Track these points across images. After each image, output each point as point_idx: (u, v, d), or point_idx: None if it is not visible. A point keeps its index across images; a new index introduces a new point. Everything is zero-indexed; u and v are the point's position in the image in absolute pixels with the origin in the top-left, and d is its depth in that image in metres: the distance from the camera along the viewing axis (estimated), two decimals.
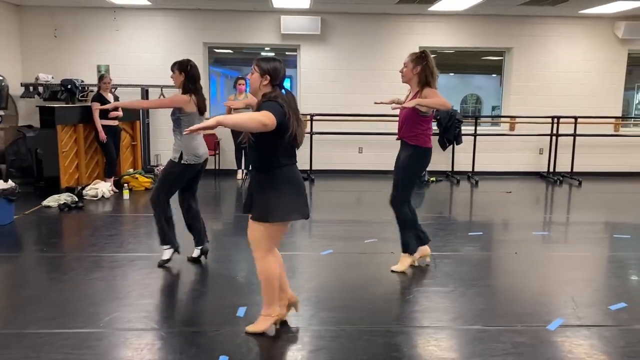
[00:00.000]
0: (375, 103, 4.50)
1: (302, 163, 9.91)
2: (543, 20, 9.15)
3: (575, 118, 9.01)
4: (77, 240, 5.43)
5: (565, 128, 9.14)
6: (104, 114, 7.23)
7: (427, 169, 8.79)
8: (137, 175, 7.70)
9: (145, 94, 8.71)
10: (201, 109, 4.23)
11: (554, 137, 9.20)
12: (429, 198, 8.03)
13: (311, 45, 9.02)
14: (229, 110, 8.62)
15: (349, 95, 9.11)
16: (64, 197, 6.56)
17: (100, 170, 7.65)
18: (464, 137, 8.94)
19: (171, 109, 4.23)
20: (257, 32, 8.98)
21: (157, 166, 8.54)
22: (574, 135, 9.07)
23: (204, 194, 7.96)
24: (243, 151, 8.73)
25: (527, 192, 8.34)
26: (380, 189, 8.36)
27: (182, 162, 4.16)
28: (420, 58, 4.04)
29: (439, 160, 9.23)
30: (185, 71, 4.19)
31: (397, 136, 4.27)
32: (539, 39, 9.24)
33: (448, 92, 10.81)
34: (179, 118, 4.17)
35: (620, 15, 8.82)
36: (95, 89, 7.68)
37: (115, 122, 7.42)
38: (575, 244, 5.42)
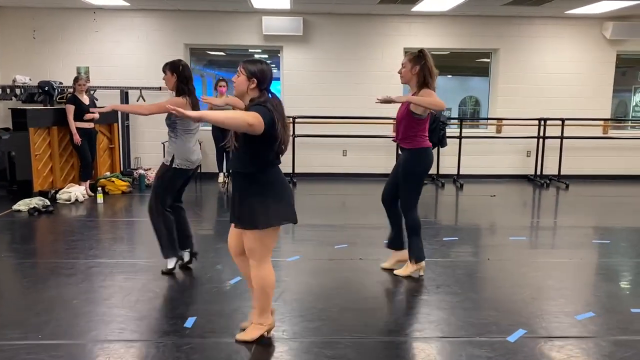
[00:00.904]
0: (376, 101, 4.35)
1: (284, 166, 9.81)
2: (529, 21, 9.01)
3: (562, 120, 8.86)
4: (39, 246, 5.29)
5: (553, 130, 8.99)
6: (79, 116, 7.11)
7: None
8: (113, 179, 7.57)
9: (125, 96, 8.58)
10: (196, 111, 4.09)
11: (540, 140, 9.05)
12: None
13: (294, 46, 8.89)
14: (210, 108, 8.52)
15: (333, 97, 8.98)
16: (35, 201, 6.42)
17: (76, 173, 7.52)
18: (449, 140, 8.78)
19: (165, 113, 4.09)
20: (238, 33, 8.85)
21: (136, 169, 8.40)
22: (561, 137, 8.92)
23: (188, 197, 7.82)
24: (224, 154, 8.60)
25: (512, 195, 8.20)
26: (364, 192, 8.25)
27: (174, 166, 4.05)
28: (419, 57, 3.95)
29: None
30: (177, 72, 4.06)
31: (393, 138, 4.20)
32: (526, 39, 9.10)
33: (445, 94, 10.70)
34: (174, 122, 4.04)
35: (608, 15, 8.68)
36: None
37: (90, 125, 7.28)
38: (553, 249, 5.28)
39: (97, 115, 7.29)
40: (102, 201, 6.94)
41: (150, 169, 8.37)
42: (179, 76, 4.07)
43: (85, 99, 7.26)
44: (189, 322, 3.33)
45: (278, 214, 2.91)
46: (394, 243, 4.41)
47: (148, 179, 8.11)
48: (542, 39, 9.10)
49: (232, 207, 3.00)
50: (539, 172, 9.13)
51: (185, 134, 4.08)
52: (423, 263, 4.27)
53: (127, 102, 8.60)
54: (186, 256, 4.37)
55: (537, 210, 7.53)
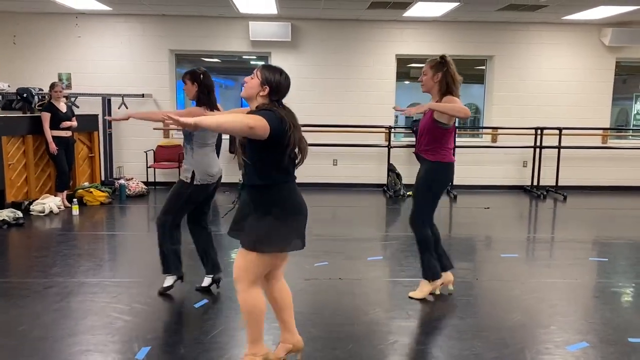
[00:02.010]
0: (396, 109, 4.07)
1: None
2: (525, 27, 8.74)
3: (560, 129, 8.56)
4: (1, 261, 4.99)
5: (551, 140, 8.69)
6: (56, 124, 6.84)
7: (405, 182, 8.60)
8: (91, 189, 7.28)
9: (107, 103, 8.31)
10: None
11: (537, 150, 8.76)
12: (405, 214, 7.59)
13: (282, 52, 8.62)
14: None
15: (323, 104, 8.70)
16: (6, 213, 6.12)
17: (53, 184, 7.23)
18: None
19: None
20: (225, 38, 8.59)
21: (119, 179, 8.12)
22: (559, 147, 8.62)
23: None
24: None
25: (507, 207, 7.89)
26: (355, 203, 7.97)
27: (195, 182, 3.73)
28: (441, 64, 3.69)
29: (415, 173, 8.77)
30: (198, 81, 3.77)
31: (414, 151, 3.95)
32: (522, 46, 8.83)
33: None
34: (190, 133, 3.70)
35: (607, 21, 8.41)
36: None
37: (67, 133, 7.01)
38: (546, 268, 4.96)
39: (74, 124, 7.08)
40: (77, 213, 6.65)
41: (132, 178, 8.09)
42: (200, 85, 3.78)
43: (63, 107, 6.98)
44: (141, 353, 3.03)
45: (284, 238, 2.62)
46: (442, 265, 4.07)
47: (129, 189, 7.83)
48: (539, 46, 8.82)
49: (235, 218, 2.75)
50: (535, 183, 8.83)
51: (202, 146, 3.75)
52: (439, 281, 3.99)
53: (109, 109, 8.34)
54: (207, 281, 4.06)
55: (532, 223, 7.22)
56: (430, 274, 3.95)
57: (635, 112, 10.37)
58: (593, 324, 3.59)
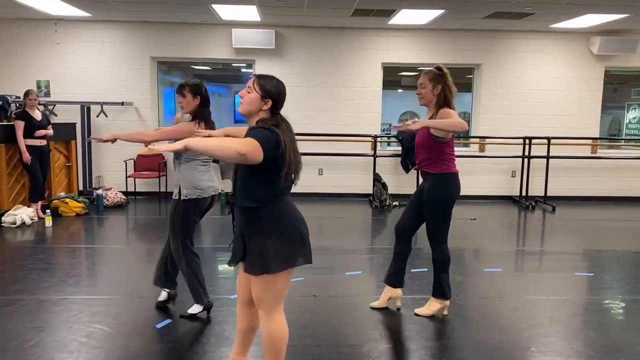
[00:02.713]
0: (394, 127, 3.92)
1: None
2: (513, 35, 8.62)
3: (548, 139, 8.43)
4: None
5: (539, 149, 8.55)
6: (30, 133, 6.65)
7: (391, 192, 8.43)
8: (67, 200, 7.07)
9: (86, 112, 8.13)
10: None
11: (525, 159, 8.61)
12: (390, 225, 7.41)
13: (266, 60, 8.46)
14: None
15: (308, 113, 8.54)
16: None
17: (27, 194, 7.01)
18: None
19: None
20: (208, 45, 8.42)
21: (98, 189, 7.90)
22: (547, 157, 8.48)
23: (147, 219, 7.38)
24: None
25: (495, 218, 7.73)
26: (340, 214, 7.78)
27: (182, 198, 3.53)
28: (440, 76, 3.58)
29: (403, 184, 8.64)
30: (201, 94, 3.56)
31: (415, 167, 3.82)
32: (510, 54, 8.70)
33: None
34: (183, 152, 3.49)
35: (595, 30, 8.29)
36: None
37: (42, 142, 6.81)
38: (531, 283, 4.78)
39: (50, 132, 6.88)
40: (50, 224, 6.44)
41: (110, 188, 7.88)
42: (202, 99, 3.57)
43: (38, 115, 6.79)
44: None
45: (291, 253, 2.46)
46: (395, 279, 3.95)
47: (107, 200, 7.63)
48: (527, 54, 8.70)
49: (235, 247, 2.56)
50: (524, 194, 8.67)
51: (190, 160, 3.54)
52: (448, 302, 3.84)
53: (88, 118, 8.15)
54: (163, 295, 3.87)
55: (519, 235, 7.04)
56: (442, 294, 3.80)
57: (628, 121, 10.28)
58: (575, 345, 3.41)
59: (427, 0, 6.52)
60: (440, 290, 3.81)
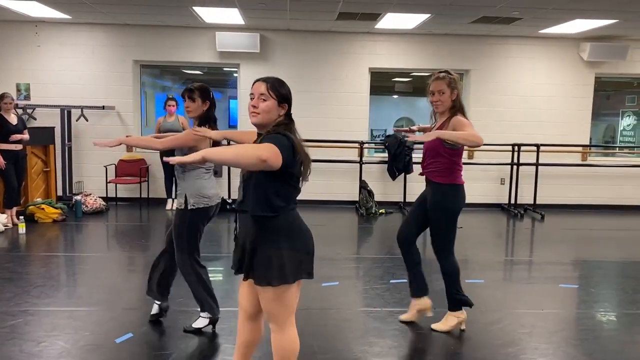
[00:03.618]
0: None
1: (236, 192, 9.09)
2: (503, 41, 8.50)
3: (538, 146, 8.29)
4: None
5: (529, 157, 8.41)
6: (5, 138, 6.48)
7: (377, 199, 8.28)
8: (43, 206, 6.89)
9: (67, 116, 7.96)
10: (216, 145, 3.41)
11: (514, 167, 8.47)
12: (377, 232, 7.27)
13: (251, 64, 8.32)
14: (158, 132, 7.91)
15: (294, 118, 8.36)
16: None
17: (1, 199, 6.84)
18: (417, 166, 8.20)
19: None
20: (192, 49, 8.28)
21: (78, 194, 7.72)
22: (536, 164, 8.34)
23: (127, 226, 7.21)
24: (174, 179, 7.97)
25: (483, 227, 7.57)
26: (325, 221, 7.62)
27: (189, 207, 3.38)
28: (455, 80, 3.43)
29: (390, 191, 8.50)
30: (209, 99, 3.43)
31: (421, 172, 3.66)
32: (499, 60, 8.58)
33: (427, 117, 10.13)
34: (184, 154, 3.18)
35: (585, 36, 8.18)
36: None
37: (17, 146, 6.63)
38: (512, 296, 4.62)
39: (26, 137, 6.72)
40: (23, 231, 6.26)
41: (90, 194, 7.70)
42: (212, 103, 3.45)
43: (13, 119, 6.61)
44: None
45: (299, 265, 2.37)
46: (415, 289, 3.78)
47: (86, 205, 7.45)
48: (516, 60, 8.58)
49: (240, 257, 2.44)
50: (513, 201, 8.53)
51: (194, 168, 3.39)
52: (464, 315, 3.68)
53: (68, 121, 7.99)
54: (155, 308, 3.70)
55: (505, 245, 6.90)
56: (458, 305, 3.65)
57: (622, 128, 10.17)
58: None
59: (412, 5, 6.39)
60: (457, 302, 3.65)
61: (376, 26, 7.73)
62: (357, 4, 6.36)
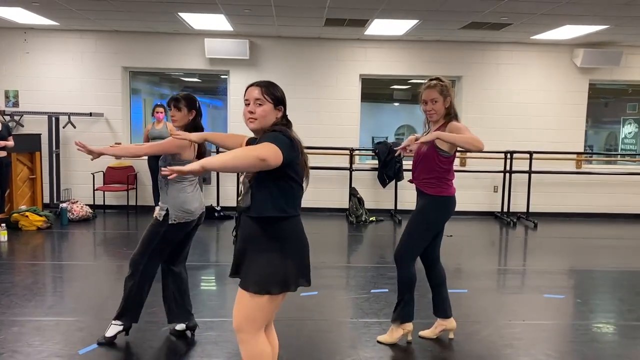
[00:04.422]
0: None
1: (228, 199, 9.02)
2: (495, 47, 8.42)
3: (530, 153, 8.18)
4: None
5: (523, 164, 8.30)
6: None
7: (368, 207, 8.18)
8: (27, 214, 6.82)
9: (55, 122, 7.92)
10: (202, 154, 3.35)
11: (507, 174, 8.36)
12: (367, 240, 7.16)
13: (241, 70, 8.26)
14: (146, 141, 7.85)
15: None
16: None
17: None
18: (407, 174, 8.11)
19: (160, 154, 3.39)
20: (181, 55, 8.23)
21: (65, 202, 7.66)
22: (529, 172, 8.23)
23: (113, 233, 7.13)
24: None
25: (474, 235, 7.45)
26: (315, 229, 7.51)
27: (169, 222, 3.30)
28: (447, 87, 3.38)
29: (381, 198, 8.40)
30: (196, 108, 3.39)
31: (410, 179, 3.56)
32: (491, 66, 8.49)
33: (420, 124, 10.00)
34: (169, 163, 3.23)
35: (578, 42, 8.09)
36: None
37: (2, 153, 6.59)
38: (494, 306, 4.50)
39: (10, 143, 6.67)
40: (5, 239, 6.19)
41: (77, 201, 7.63)
42: (197, 112, 3.41)
43: None
44: None
45: (297, 273, 2.32)
46: (437, 310, 3.67)
47: (72, 213, 7.38)
48: (509, 66, 8.49)
49: (237, 256, 2.38)
50: (506, 209, 8.41)
51: (178, 182, 3.31)
52: (410, 326, 3.56)
53: (56, 128, 7.94)
54: (180, 326, 3.61)
55: (494, 254, 6.76)
56: (401, 317, 3.52)
57: (623, 135, 10.05)
58: None
59: (398, 11, 6.32)
60: (400, 313, 3.51)
61: (365, 32, 7.67)
62: (343, 10, 6.30)
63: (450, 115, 3.37)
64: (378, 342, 3.57)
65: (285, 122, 2.33)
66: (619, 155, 9.67)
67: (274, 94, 2.29)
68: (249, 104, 2.29)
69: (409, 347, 3.56)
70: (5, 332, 3.60)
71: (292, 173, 2.24)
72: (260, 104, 2.26)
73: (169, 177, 2.03)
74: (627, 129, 9.99)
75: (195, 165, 1.96)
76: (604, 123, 10.10)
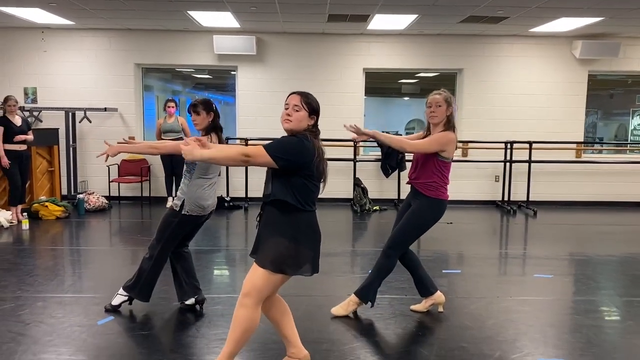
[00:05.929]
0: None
1: (237, 190, 9.29)
2: (495, 40, 8.62)
3: (530, 143, 8.39)
4: None
5: (523, 154, 8.51)
6: (9, 139, 6.80)
7: (372, 197, 8.45)
8: (47, 204, 7.20)
9: (71, 117, 8.28)
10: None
11: (508, 164, 8.57)
12: (371, 229, 7.43)
13: (248, 66, 8.57)
14: (159, 134, 8.20)
15: None
16: None
17: (7, 198, 7.16)
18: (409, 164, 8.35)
19: None
20: (191, 52, 8.56)
21: (82, 193, 8.03)
22: (529, 161, 8.44)
23: (127, 222, 7.49)
24: (174, 178, 8.25)
25: (474, 223, 7.68)
26: (321, 218, 7.76)
27: (183, 212, 3.66)
28: (452, 99, 3.73)
29: (384, 188, 8.66)
30: (214, 110, 3.74)
31: (407, 181, 3.87)
32: (492, 59, 8.70)
33: (421, 115, 10.21)
34: (193, 162, 3.62)
35: (577, 33, 8.27)
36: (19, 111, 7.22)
37: (22, 147, 6.96)
38: (482, 286, 4.75)
39: (30, 137, 7.03)
40: (27, 227, 6.57)
41: (93, 192, 8.01)
42: (215, 114, 3.75)
43: (17, 120, 6.94)
44: None
45: (307, 260, 2.67)
46: (421, 289, 3.95)
47: (89, 204, 7.76)
48: (509, 59, 8.69)
49: (257, 240, 2.77)
50: (507, 198, 8.63)
51: (201, 176, 3.67)
52: (359, 304, 3.88)
53: (73, 123, 8.31)
54: (190, 301, 3.95)
55: (492, 240, 6.99)
56: (363, 295, 3.84)
57: (633, 127, 10.18)
58: (504, 354, 3.40)
59: (397, 6, 6.57)
60: (365, 291, 3.82)
61: (368, 27, 7.92)
62: (344, 5, 6.56)
63: (450, 124, 3.66)
64: (332, 312, 3.86)
65: (314, 129, 2.65)
66: (623, 145, 9.81)
67: (310, 104, 2.62)
68: (287, 108, 2.62)
69: (399, 319, 3.83)
70: (30, 307, 3.95)
71: (305, 172, 2.56)
72: (297, 110, 2.60)
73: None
74: (637, 121, 10.12)
75: (188, 148, 2.45)
76: (614, 115, 10.23)
